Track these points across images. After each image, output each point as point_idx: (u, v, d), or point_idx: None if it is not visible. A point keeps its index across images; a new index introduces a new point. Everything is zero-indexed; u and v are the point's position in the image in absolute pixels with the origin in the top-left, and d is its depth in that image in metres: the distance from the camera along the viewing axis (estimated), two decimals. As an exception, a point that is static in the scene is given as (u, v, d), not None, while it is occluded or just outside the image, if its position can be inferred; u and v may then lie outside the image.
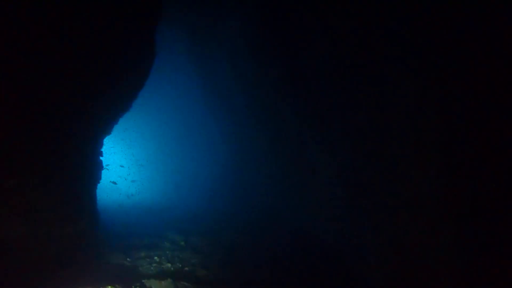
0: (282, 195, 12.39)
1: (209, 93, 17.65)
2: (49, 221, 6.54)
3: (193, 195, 19.00)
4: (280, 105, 11.10)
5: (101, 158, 9.14)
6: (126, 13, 7.10)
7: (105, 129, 8.45)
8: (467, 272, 5.06)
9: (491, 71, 4.88)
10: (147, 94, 19.19)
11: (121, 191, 22.10)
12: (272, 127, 12.23)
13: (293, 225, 11.18)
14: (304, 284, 7.13)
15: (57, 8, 5.95)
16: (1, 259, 5.97)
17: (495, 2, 4.75)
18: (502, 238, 4.64)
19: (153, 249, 8.97)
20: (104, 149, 9.83)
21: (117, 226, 11.57)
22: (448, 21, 5.35)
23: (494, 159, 4.82)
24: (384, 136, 6.87)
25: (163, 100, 22.06)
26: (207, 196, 17.97)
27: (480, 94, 5.00)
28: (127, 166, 26.08)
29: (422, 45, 5.85)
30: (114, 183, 16.36)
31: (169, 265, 7.91)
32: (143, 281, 6.86)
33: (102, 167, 9.06)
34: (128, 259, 8.12)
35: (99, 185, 9.96)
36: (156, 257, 8.33)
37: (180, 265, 7.92)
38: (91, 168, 7.97)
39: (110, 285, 6.45)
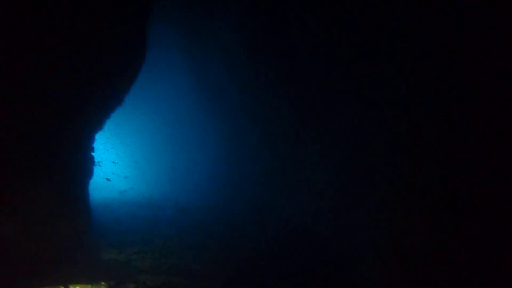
0: (276, 189, 12.39)
1: (203, 89, 17.55)
2: (41, 218, 6.47)
3: (186, 190, 18.93)
4: (274, 100, 11.06)
5: (93, 153, 9.05)
6: (117, 8, 7.02)
7: (97, 124, 8.36)
8: (465, 268, 5.09)
9: (486, 68, 4.88)
10: (140, 90, 19.04)
11: (114, 187, 21.92)
12: (266, 122, 12.20)
13: (287, 218, 11.18)
14: (297, 277, 7.13)
15: (49, 5, 5.87)
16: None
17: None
18: (501, 235, 4.66)
19: (146, 244, 8.92)
20: (96, 144, 9.73)
21: (110, 222, 11.49)
22: (443, 22, 5.34)
23: (489, 155, 4.83)
24: (378, 131, 6.88)
25: (156, 96, 21.90)
26: (201, 191, 17.91)
27: (476, 91, 5.00)
28: (120, 162, 25.89)
29: (416, 41, 5.84)
30: (108, 179, 16.23)
31: (163, 260, 7.88)
32: (137, 277, 6.83)
33: (94, 162, 8.97)
34: (121, 254, 8.07)
35: (91, 182, 9.88)
36: (149, 253, 8.28)
37: (174, 260, 7.89)
38: (83, 163, 7.89)
39: (104, 281, 6.41)
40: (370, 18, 6.70)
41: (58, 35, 6.27)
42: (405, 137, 6.22)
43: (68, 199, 7.24)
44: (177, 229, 10.75)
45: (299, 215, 10.74)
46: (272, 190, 12.79)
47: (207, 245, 9.06)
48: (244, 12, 11.20)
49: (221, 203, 15.05)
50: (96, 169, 10.22)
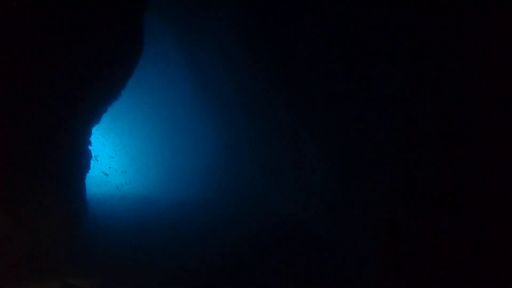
0: (274, 185, 12.37)
1: (200, 85, 17.47)
2: (36, 212, 6.41)
3: (183, 186, 18.91)
4: (271, 96, 11.02)
5: (89, 147, 8.99)
6: (113, 2, 6.94)
7: (94, 118, 8.30)
8: (466, 264, 5.08)
9: (485, 66, 4.86)
10: (138, 86, 18.96)
11: (112, 182, 21.87)
12: (263, 117, 12.16)
13: (284, 214, 11.18)
14: (294, 273, 7.12)
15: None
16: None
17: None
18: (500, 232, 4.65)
19: (141, 239, 8.90)
20: (93, 139, 9.69)
21: (107, 216, 11.46)
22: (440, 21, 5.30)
23: (490, 151, 4.81)
24: (377, 126, 6.84)
25: (153, 92, 21.80)
26: (198, 186, 17.90)
27: (477, 88, 4.97)
28: (117, 157, 25.81)
29: (415, 36, 5.81)
30: (106, 174, 16.16)
31: (160, 254, 7.85)
32: (133, 271, 6.80)
33: (91, 156, 8.91)
34: (118, 249, 8.02)
35: (88, 176, 9.83)
36: (146, 246, 8.26)
37: (171, 256, 7.85)
38: (79, 157, 7.83)
39: (99, 276, 6.37)
40: (370, 13, 6.66)
41: (55, 30, 6.20)
42: (404, 132, 6.20)
43: (65, 193, 7.19)
44: (174, 223, 10.72)
45: (296, 211, 10.73)
46: (269, 186, 12.78)
47: (204, 241, 9.03)
48: (242, 8, 11.12)
49: (217, 199, 15.04)
50: (93, 164, 10.20)
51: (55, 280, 6.05)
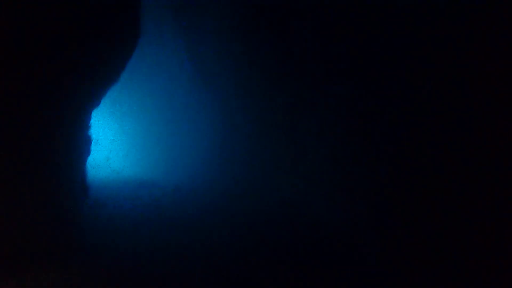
0: (273, 172, 12.33)
1: (198, 72, 17.34)
2: (34, 197, 6.34)
3: (181, 171, 18.91)
4: (270, 82, 10.90)
5: (90, 131, 8.89)
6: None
7: (93, 101, 8.17)
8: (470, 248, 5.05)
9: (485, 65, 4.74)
10: (135, 67, 18.84)
11: (111, 166, 21.90)
12: (262, 104, 12.05)
13: (283, 199, 11.16)
14: (294, 259, 7.10)
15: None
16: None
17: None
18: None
19: (141, 221, 8.88)
20: (93, 122, 9.62)
21: (108, 201, 11.45)
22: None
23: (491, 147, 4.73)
24: (377, 113, 6.75)
25: (151, 75, 21.66)
26: (196, 169, 17.89)
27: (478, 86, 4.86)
28: (118, 140, 25.78)
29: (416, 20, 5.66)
30: (108, 159, 16.15)
31: (159, 243, 7.82)
32: (133, 261, 6.77)
33: (91, 140, 8.82)
34: (118, 236, 7.98)
35: (89, 160, 9.77)
36: (146, 232, 8.24)
37: (171, 246, 7.81)
38: (79, 141, 7.74)
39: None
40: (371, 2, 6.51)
41: (51, 12, 6.03)
42: (405, 119, 6.12)
43: (65, 178, 7.12)
44: (174, 207, 10.72)
45: (295, 198, 10.71)
46: (268, 172, 12.73)
47: (205, 229, 9.00)
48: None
49: (216, 185, 15.04)
50: (94, 148, 10.13)
51: (55, 266, 6.02)
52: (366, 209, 7.21)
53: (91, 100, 8.04)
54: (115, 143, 25.34)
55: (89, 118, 8.76)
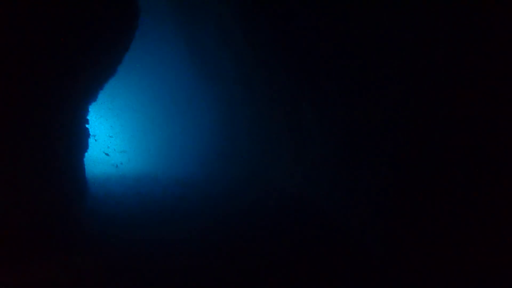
0: (275, 161, 12.26)
1: (197, 59, 17.18)
2: (33, 192, 6.27)
3: (182, 163, 18.84)
4: (271, 67, 10.76)
5: (87, 126, 8.80)
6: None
7: (90, 95, 8.08)
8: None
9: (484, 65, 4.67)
10: (133, 61, 18.68)
11: (110, 162, 21.83)
12: (263, 91, 11.94)
13: (284, 189, 11.11)
14: (296, 249, 7.06)
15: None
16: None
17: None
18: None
19: (141, 214, 8.83)
20: (90, 117, 9.52)
21: (107, 196, 11.39)
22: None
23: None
24: (382, 97, 6.66)
25: (149, 68, 21.51)
26: (197, 163, 17.82)
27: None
28: (115, 136, 25.71)
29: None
30: (107, 154, 16.06)
31: (158, 229, 7.78)
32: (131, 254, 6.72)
33: (89, 135, 8.73)
34: (116, 229, 7.92)
35: (87, 156, 9.68)
36: (143, 222, 8.20)
37: (169, 231, 7.76)
38: (77, 136, 7.66)
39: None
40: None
41: (47, 6, 5.92)
42: (411, 104, 6.04)
43: (64, 173, 7.05)
44: (174, 200, 10.67)
45: (297, 186, 10.66)
46: (269, 161, 12.67)
47: (203, 216, 8.97)
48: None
49: (217, 175, 14.97)
50: (92, 144, 10.06)
51: (54, 260, 5.97)
52: (370, 205, 7.15)
53: (88, 93, 7.94)
54: (114, 138, 25.28)
55: (86, 112, 8.67)
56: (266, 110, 12.16)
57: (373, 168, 7.07)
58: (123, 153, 23.56)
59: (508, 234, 4.53)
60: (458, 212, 5.16)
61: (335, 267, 6.22)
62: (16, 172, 6.05)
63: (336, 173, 8.45)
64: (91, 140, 9.76)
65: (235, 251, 6.88)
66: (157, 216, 9.12)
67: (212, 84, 16.62)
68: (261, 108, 12.60)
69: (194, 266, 6.16)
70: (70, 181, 7.33)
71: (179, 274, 5.83)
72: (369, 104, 7.02)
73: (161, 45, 19.89)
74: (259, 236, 7.69)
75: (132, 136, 24.99)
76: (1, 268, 5.51)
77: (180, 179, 15.08)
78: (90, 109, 9.53)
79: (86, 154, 8.84)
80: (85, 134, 8.46)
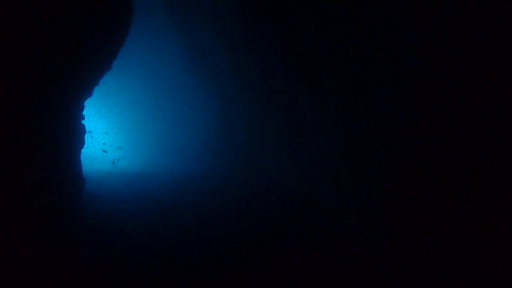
0: (273, 155, 12.24)
1: (193, 54, 17.07)
2: (29, 190, 6.20)
3: (179, 160, 18.79)
4: (269, 61, 10.70)
5: (83, 122, 8.72)
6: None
7: (85, 91, 7.99)
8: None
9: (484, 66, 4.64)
10: (128, 57, 18.57)
11: (106, 158, 21.75)
12: (261, 85, 11.88)
13: (285, 185, 11.10)
14: (298, 244, 7.06)
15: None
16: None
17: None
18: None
19: (136, 220, 8.81)
20: (86, 113, 9.44)
21: (103, 192, 11.34)
22: None
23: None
24: (382, 91, 6.63)
25: (144, 64, 21.39)
26: (194, 159, 17.77)
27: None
28: (110, 132, 25.58)
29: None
30: (104, 151, 15.96)
31: (156, 226, 7.76)
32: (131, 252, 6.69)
33: (85, 131, 8.66)
34: (114, 233, 7.87)
35: (84, 152, 9.61)
36: (140, 229, 8.16)
37: (168, 228, 7.75)
38: (73, 132, 7.58)
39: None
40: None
41: (39, 1, 5.82)
42: (411, 97, 6.02)
43: (60, 170, 6.98)
44: (171, 196, 10.63)
45: (295, 183, 10.65)
46: (267, 155, 12.64)
47: (205, 220, 8.93)
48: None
49: (214, 171, 14.94)
50: (90, 141, 9.98)
51: (52, 259, 5.93)
52: (369, 201, 7.16)
53: (83, 89, 7.86)
54: (109, 135, 25.16)
55: (82, 108, 8.59)
56: (264, 106, 12.11)
57: (373, 165, 7.07)
58: (118, 149, 23.48)
59: (508, 234, 4.52)
60: (458, 211, 5.16)
61: (334, 263, 6.22)
62: (11, 169, 5.98)
63: (335, 170, 8.44)
64: (87, 136, 9.69)
65: (233, 247, 6.87)
66: (155, 213, 9.09)
67: (210, 81, 16.54)
68: (259, 104, 12.55)
69: (192, 262, 6.15)
70: (66, 178, 7.27)
71: (177, 270, 5.81)
72: (369, 98, 6.99)
73: (158, 42, 19.80)
74: (257, 232, 7.68)
75: (128, 132, 24.88)
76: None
77: (177, 175, 15.03)
78: (85, 105, 9.45)
79: (82, 150, 8.78)
80: (81, 130, 8.39)
